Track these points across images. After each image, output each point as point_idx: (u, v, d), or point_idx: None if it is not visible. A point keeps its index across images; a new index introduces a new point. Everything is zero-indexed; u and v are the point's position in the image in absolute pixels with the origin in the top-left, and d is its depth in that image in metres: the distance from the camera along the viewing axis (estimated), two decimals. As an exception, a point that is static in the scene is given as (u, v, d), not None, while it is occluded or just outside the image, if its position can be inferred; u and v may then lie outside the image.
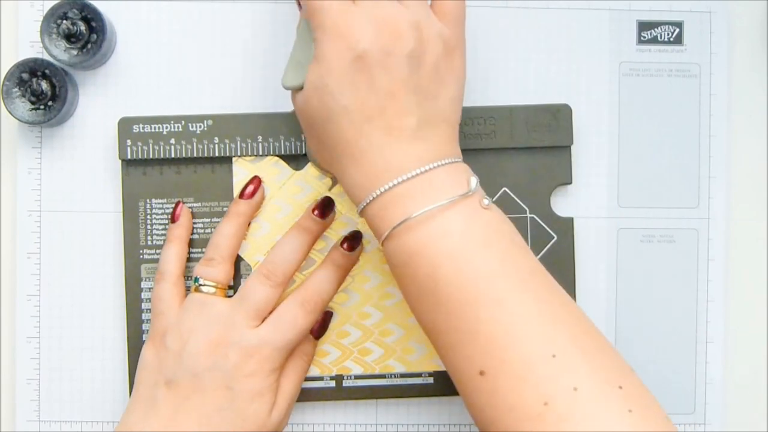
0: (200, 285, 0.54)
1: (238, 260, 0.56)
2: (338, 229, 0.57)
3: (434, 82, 0.48)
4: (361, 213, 0.48)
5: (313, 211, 0.55)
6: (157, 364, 0.53)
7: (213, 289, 0.54)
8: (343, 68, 0.46)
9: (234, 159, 0.56)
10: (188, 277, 0.56)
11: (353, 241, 0.56)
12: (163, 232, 0.57)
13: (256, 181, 0.56)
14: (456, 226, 0.46)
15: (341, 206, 0.57)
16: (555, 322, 0.45)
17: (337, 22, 0.46)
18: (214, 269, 0.54)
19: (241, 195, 0.55)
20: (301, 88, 0.49)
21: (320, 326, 0.56)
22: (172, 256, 0.55)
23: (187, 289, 0.55)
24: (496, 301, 0.45)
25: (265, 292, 0.53)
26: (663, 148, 0.58)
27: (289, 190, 0.57)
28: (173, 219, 0.56)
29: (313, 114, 0.48)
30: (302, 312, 0.54)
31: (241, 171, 0.56)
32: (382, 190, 0.47)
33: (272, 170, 0.57)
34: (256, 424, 0.52)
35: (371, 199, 0.47)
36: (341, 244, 0.56)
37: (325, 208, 0.55)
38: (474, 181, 0.47)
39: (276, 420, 0.53)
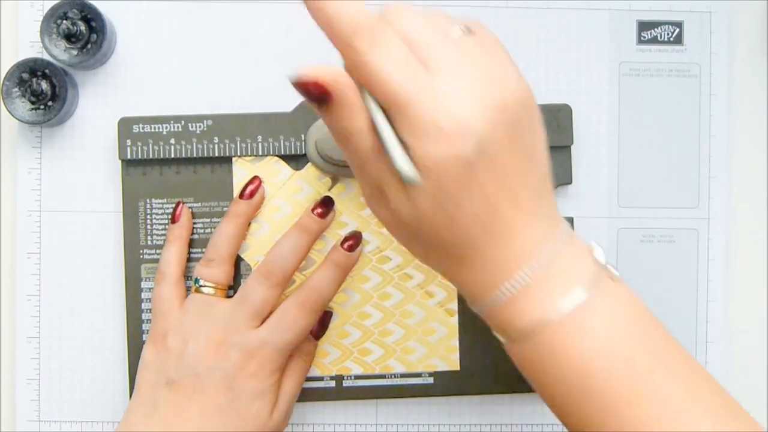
0: (200, 286, 0.54)
1: (238, 260, 0.56)
2: (336, 230, 0.57)
3: (531, 140, 0.41)
4: (476, 306, 0.43)
5: (313, 210, 0.55)
6: (158, 365, 0.53)
7: (213, 290, 0.54)
8: (455, 176, 0.39)
9: (234, 159, 0.56)
10: (188, 277, 0.56)
11: (353, 241, 0.56)
12: (163, 232, 0.57)
13: (256, 181, 0.56)
14: (600, 319, 0.41)
15: (340, 206, 0.57)
16: (708, 410, 0.41)
17: (426, 119, 0.38)
18: (214, 270, 0.54)
19: (241, 195, 0.55)
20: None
21: (320, 326, 0.56)
22: (173, 257, 0.55)
23: (188, 290, 0.55)
24: (661, 398, 0.40)
25: (264, 292, 0.53)
26: (663, 148, 0.58)
27: (289, 190, 0.57)
28: (173, 219, 0.56)
29: (423, 222, 0.40)
30: (302, 312, 0.54)
31: (241, 171, 0.56)
32: (509, 287, 0.41)
33: (272, 170, 0.57)
34: (257, 424, 0.52)
35: (497, 297, 0.41)
36: (341, 245, 0.56)
37: (325, 207, 0.55)
38: (600, 253, 0.42)
39: (277, 420, 0.53)
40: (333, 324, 0.57)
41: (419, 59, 0.39)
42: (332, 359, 0.57)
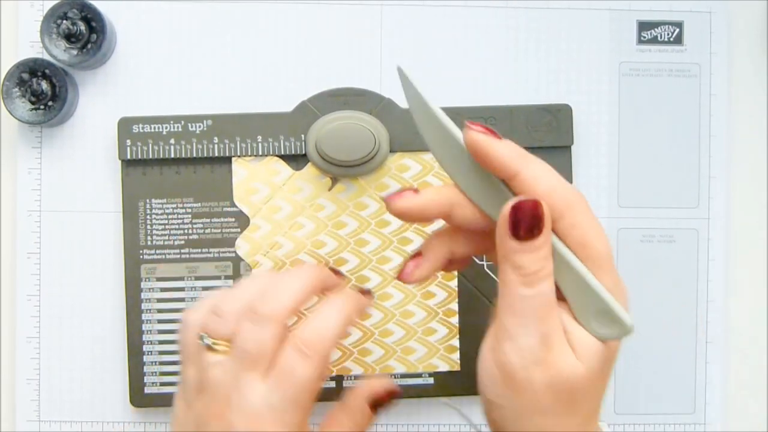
0: (210, 344, 0.43)
1: (238, 260, 0.56)
2: (336, 230, 0.57)
3: None
4: None
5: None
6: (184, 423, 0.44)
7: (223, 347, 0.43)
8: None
9: (233, 159, 0.56)
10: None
11: (368, 294, 0.48)
12: (164, 232, 0.56)
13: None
14: None
15: (340, 207, 0.57)
16: None
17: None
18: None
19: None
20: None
21: (385, 400, 0.48)
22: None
23: None
24: None
25: (254, 334, 0.42)
26: (663, 148, 0.58)
27: (289, 190, 0.57)
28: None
29: (588, 381, 0.41)
30: (301, 358, 0.42)
31: (241, 171, 0.56)
32: None
33: (272, 170, 0.57)
34: None
35: None
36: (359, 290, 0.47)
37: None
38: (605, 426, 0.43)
39: None
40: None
41: None
42: (332, 359, 0.57)
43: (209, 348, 0.43)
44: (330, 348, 0.43)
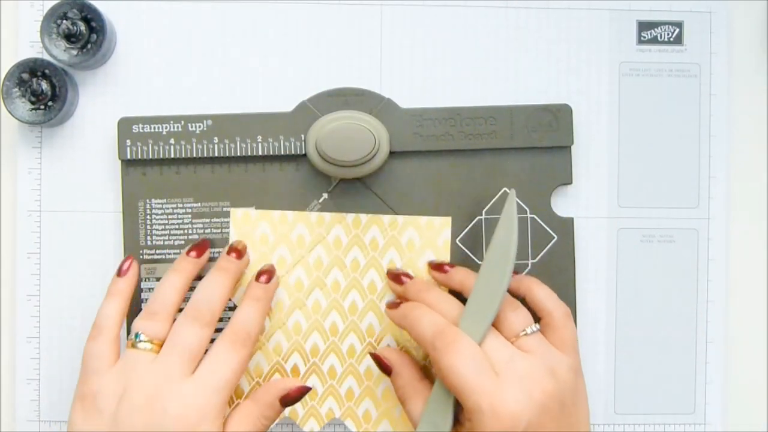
0: (138, 341, 0.51)
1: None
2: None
3: (574, 412, 0.51)
4: None
5: (228, 253, 0.55)
6: (88, 428, 0.49)
7: (150, 345, 0.51)
8: None
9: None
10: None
11: (267, 275, 0.55)
12: (163, 232, 0.57)
13: (206, 243, 0.55)
14: None
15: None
16: None
17: (493, 403, 0.48)
18: (157, 324, 0.52)
19: (189, 252, 0.55)
20: None
21: (295, 396, 0.54)
22: (113, 312, 0.53)
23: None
24: None
25: (195, 335, 0.51)
26: (663, 148, 0.58)
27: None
28: (119, 273, 0.54)
29: None
30: (233, 349, 0.51)
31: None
32: None
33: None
34: None
35: None
36: (257, 278, 0.55)
37: (238, 251, 0.55)
38: None
39: None
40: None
41: (489, 362, 0.49)
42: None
43: (134, 345, 0.51)
44: (255, 339, 0.53)
